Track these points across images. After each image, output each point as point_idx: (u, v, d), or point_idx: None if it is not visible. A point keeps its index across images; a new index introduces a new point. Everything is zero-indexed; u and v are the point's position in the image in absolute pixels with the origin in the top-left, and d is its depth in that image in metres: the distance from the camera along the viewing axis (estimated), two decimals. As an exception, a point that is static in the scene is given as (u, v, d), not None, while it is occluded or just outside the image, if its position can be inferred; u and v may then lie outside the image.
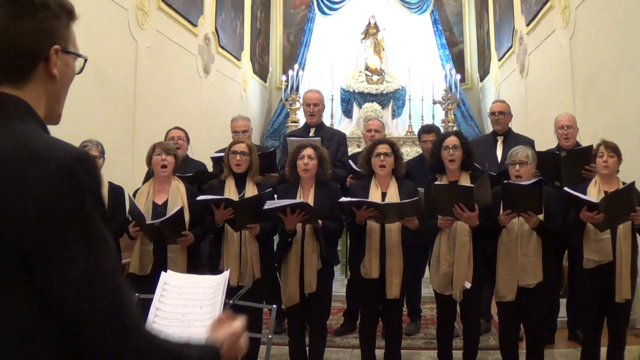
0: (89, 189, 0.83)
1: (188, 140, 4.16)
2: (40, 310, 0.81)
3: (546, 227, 3.00)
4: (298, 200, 3.11)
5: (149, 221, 3.06)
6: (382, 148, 3.28)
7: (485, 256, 3.20)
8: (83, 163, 0.83)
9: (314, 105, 4.32)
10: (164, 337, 0.91)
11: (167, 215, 3.06)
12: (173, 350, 0.91)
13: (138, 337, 0.85)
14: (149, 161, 3.31)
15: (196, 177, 3.79)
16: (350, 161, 4.06)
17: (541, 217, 2.98)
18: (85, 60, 1.04)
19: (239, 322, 1.13)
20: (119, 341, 0.83)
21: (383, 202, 3.12)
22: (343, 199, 3.19)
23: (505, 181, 3.12)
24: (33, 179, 0.79)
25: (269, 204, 3.02)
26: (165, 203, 3.21)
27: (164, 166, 3.23)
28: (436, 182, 3.14)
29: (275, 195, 3.25)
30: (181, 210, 3.09)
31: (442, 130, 5.81)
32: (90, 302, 0.80)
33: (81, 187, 0.82)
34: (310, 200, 3.17)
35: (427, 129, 4.43)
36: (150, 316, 1.89)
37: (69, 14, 0.99)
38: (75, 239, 0.80)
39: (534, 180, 3.01)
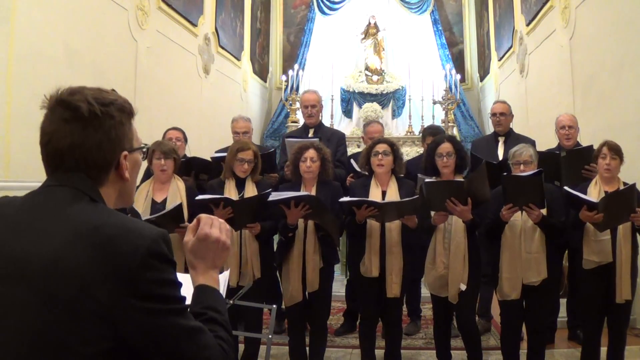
0: (170, 258, 0.96)
1: (186, 140, 4.15)
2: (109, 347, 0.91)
3: (549, 222, 2.99)
4: (303, 192, 3.11)
5: (145, 217, 3.06)
6: (381, 147, 3.29)
7: (479, 257, 3.20)
8: (165, 239, 0.96)
9: (312, 107, 4.32)
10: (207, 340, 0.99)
11: (165, 210, 3.07)
12: (221, 344, 1.01)
13: None
14: (150, 162, 3.35)
15: (190, 163, 3.77)
16: (352, 160, 4.05)
17: (544, 212, 2.98)
18: (148, 149, 1.10)
19: (200, 229, 1.12)
20: None
21: (383, 201, 3.12)
22: (343, 198, 3.20)
23: (505, 173, 3.12)
24: (130, 248, 0.90)
25: (273, 196, 3.03)
26: (164, 201, 3.23)
27: (163, 170, 3.26)
28: (427, 179, 3.14)
29: (273, 193, 3.25)
30: (180, 205, 3.09)
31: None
32: (180, 356, 0.94)
33: (165, 257, 0.95)
34: (312, 200, 3.18)
35: (433, 132, 4.35)
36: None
37: (130, 114, 1.03)
38: (164, 300, 0.93)
39: (534, 171, 3.01)
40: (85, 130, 0.96)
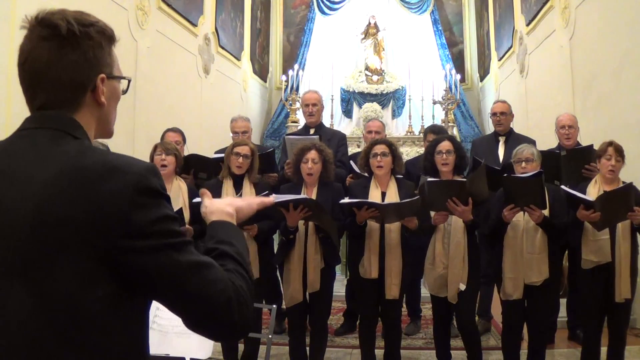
0: (161, 192, 0.93)
1: (184, 141, 4.14)
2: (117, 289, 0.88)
3: (551, 223, 3.00)
4: (302, 195, 3.11)
5: None
6: (380, 148, 3.29)
7: (479, 257, 3.21)
8: (155, 172, 0.93)
9: (313, 106, 4.32)
10: (217, 269, 0.94)
11: None
12: (236, 279, 0.95)
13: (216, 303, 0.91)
14: (152, 161, 3.36)
15: (189, 161, 3.77)
16: (351, 162, 4.06)
17: (546, 213, 2.98)
18: (129, 81, 1.07)
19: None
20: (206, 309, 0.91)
21: (383, 203, 3.12)
22: (343, 200, 3.20)
23: (506, 174, 3.12)
24: (118, 187, 0.87)
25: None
26: None
27: (164, 166, 3.25)
28: (429, 179, 3.14)
29: (274, 195, 3.25)
30: (180, 210, 3.10)
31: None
32: (184, 294, 0.90)
33: (156, 191, 0.91)
34: (313, 200, 3.18)
35: (435, 131, 4.34)
36: (150, 316, 1.89)
37: (110, 39, 1.01)
38: (160, 236, 0.89)
39: (534, 172, 3.02)
40: (62, 49, 0.94)
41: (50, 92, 0.95)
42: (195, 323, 0.93)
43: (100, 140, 3.50)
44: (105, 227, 0.86)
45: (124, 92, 1.07)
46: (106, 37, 1.00)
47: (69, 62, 0.94)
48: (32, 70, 0.95)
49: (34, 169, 0.89)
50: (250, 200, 1.20)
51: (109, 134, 1.06)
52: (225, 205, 1.12)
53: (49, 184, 0.87)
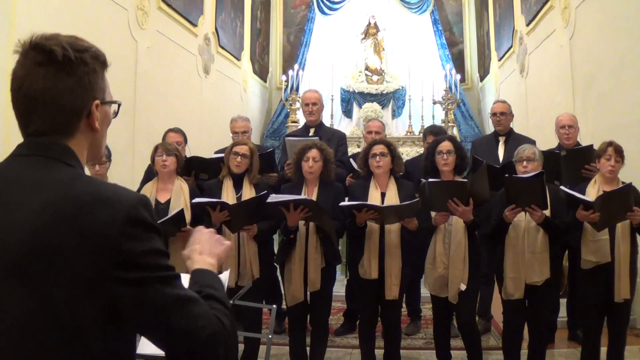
0: (152, 225, 0.93)
1: (186, 141, 4.14)
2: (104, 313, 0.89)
3: (552, 223, 3.00)
4: (302, 196, 3.12)
5: None
6: (378, 149, 3.29)
7: (479, 257, 3.21)
8: (145, 204, 0.93)
9: (313, 105, 4.32)
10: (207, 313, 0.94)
11: (168, 216, 3.08)
12: (223, 322, 0.96)
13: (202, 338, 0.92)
14: (153, 161, 3.38)
15: (190, 163, 3.77)
16: (351, 160, 4.06)
17: (547, 213, 2.99)
18: (119, 105, 1.08)
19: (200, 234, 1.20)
20: (191, 344, 0.91)
21: (383, 205, 3.12)
22: (343, 203, 3.20)
23: (507, 175, 3.13)
24: (108, 217, 0.87)
25: (272, 198, 3.04)
26: (168, 202, 3.24)
27: (165, 166, 3.27)
28: (430, 179, 3.15)
29: (273, 195, 3.26)
30: (182, 211, 3.10)
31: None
32: (169, 328, 0.90)
33: (146, 224, 0.92)
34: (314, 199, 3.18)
35: (435, 132, 4.32)
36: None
37: (104, 64, 1.02)
38: (148, 269, 0.90)
39: (535, 172, 3.02)
40: (58, 75, 0.94)
41: (45, 118, 0.95)
42: (179, 358, 0.93)
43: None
44: (95, 257, 0.86)
45: (115, 115, 1.08)
46: (100, 62, 1.00)
47: (65, 88, 0.94)
48: (28, 96, 0.95)
49: (26, 197, 0.89)
50: (228, 243, 1.24)
51: (98, 158, 1.09)
52: (209, 257, 1.14)
53: (41, 212, 0.87)
